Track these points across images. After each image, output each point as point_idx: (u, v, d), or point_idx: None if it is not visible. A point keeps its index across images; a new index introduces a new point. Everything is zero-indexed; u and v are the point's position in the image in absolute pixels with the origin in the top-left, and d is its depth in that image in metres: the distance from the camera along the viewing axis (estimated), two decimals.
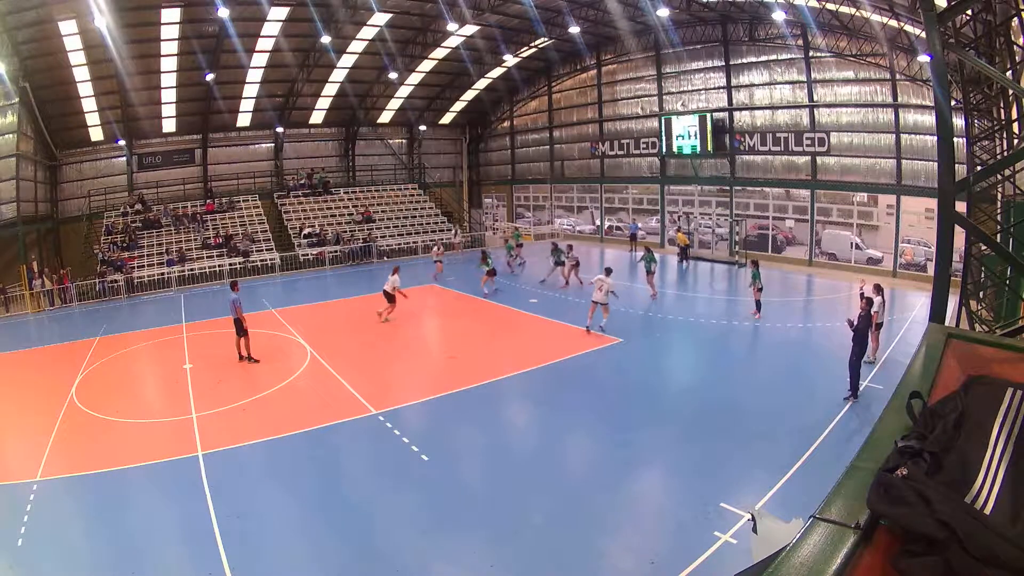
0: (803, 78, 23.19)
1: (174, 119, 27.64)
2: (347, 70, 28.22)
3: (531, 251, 25.33)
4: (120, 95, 24.24)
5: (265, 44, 24.29)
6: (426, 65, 29.78)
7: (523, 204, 37.34)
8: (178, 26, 21.57)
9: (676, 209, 28.83)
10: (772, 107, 24.58)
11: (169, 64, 23.74)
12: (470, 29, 26.27)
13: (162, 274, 22.96)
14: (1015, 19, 9.85)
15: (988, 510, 1.28)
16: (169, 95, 25.72)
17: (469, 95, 34.80)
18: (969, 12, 9.56)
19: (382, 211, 31.12)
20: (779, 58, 23.90)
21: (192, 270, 23.72)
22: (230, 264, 24.36)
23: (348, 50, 26.34)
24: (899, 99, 20.60)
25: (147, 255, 24.16)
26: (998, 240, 8.67)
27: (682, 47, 26.55)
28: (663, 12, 21.98)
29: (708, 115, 25.82)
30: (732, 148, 25.72)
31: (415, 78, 30.95)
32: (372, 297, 20.18)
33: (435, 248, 23.65)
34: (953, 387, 1.77)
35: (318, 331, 15.63)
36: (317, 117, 31.93)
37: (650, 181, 29.78)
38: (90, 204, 26.55)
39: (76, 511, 7.59)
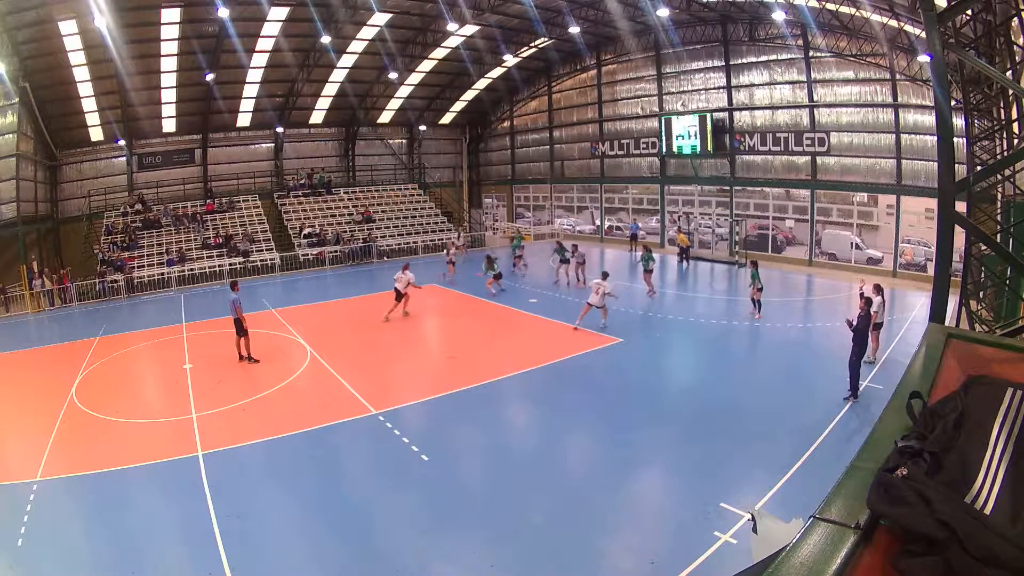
0: (803, 78, 23.19)
1: (174, 119, 27.64)
2: (347, 70, 28.22)
3: (531, 251, 25.32)
4: (120, 95, 24.24)
5: (265, 44, 24.30)
6: (426, 65, 29.78)
7: (523, 204, 37.34)
8: (178, 26, 21.57)
9: (676, 209, 28.83)
10: (772, 107, 24.58)
11: (169, 64, 23.74)
12: (470, 29, 26.27)
13: (162, 274, 22.96)
14: (1015, 19, 9.85)
15: (988, 510, 1.28)
16: (169, 95, 25.72)
17: (469, 95, 34.81)
18: (969, 12, 9.56)
19: (382, 211, 31.12)
20: (779, 58, 23.91)
21: (192, 270, 23.72)
22: (230, 264, 24.36)
23: (348, 50, 26.34)
24: (899, 99, 20.60)
25: (147, 255, 24.16)
26: (998, 240, 8.67)
27: (682, 47, 26.55)
28: (663, 12, 21.98)
29: (708, 115, 25.82)
30: (732, 148, 25.72)
31: (415, 78, 30.96)
32: (372, 297, 20.23)
33: (450, 250, 22.69)
34: (953, 387, 1.77)
35: (318, 331, 15.63)
36: (317, 117, 31.93)
37: (650, 181, 29.78)
38: (90, 204, 26.55)
39: (76, 511, 7.59)
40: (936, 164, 6.58)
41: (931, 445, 1.45)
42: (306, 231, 27.68)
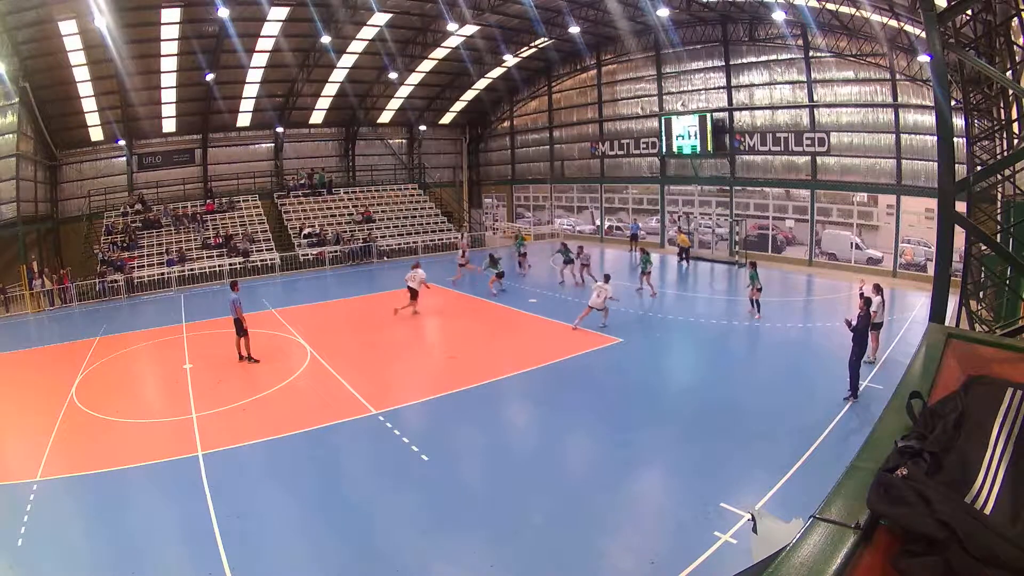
0: (803, 78, 23.19)
1: (174, 119, 27.63)
2: (347, 70, 28.22)
3: (531, 251, 25.26)
4: (120, 95, 24.24)
5: (265, 44, 24.29)
6: (426, 65, 29.78)
7: (523, 204, 37.34)
8: (178, 26, 21.57)
9: (676, 209, 28.82)
10: (772, 107, 24.57)
11: (169, 64, 23.73)
12: (470, 29, 26.27)
13: (162, 274, 22.95)
14: (1015, 19, 9.85)
15: (988, 510, 1.28)
16: (169, 95, 25.71)
17: (469, 95, 34.80)
18: (969, 12, 9.56)
19: (382, 211, 31.12)
20: (779, 58, 23.90)
21: (192, 270, 23.71)
22: (230, 264, 24.35)
23: (348, 50, 26.34)
24: (899, 99, 20.59)
25: (147, 255, 24.15)
26: (998, 240, 8.67)
27: (682, 47, 26.54)
28: (663, 12, 21.97)
29: (708, 115, 25.81)
30: (732, 148, 25.71)
31: (415, 78, 30.95)
32: (372, 297, 20.25)
33: (464, 252, 21.76)
34: (953, 387, 1.77)
35: (318, 331, 15.63)
36: (317, 117, 31.93)
37: (650, 181, 29.78)
38: (90, 204, 26.55)
39: (76, 511, 7.59)
40: (936, 164, 6.58)
41: (931, 445, 1.45)
42: (306, 231, 27.68)
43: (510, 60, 30.56)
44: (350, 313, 18.13)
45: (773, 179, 24.85)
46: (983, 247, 9.39)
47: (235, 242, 25.73)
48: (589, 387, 11.16)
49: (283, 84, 28.08)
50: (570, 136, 33.61)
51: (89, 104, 24.22)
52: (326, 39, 23.22)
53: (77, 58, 21.37)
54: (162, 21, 21.09)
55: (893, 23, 18.29)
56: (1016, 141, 11.53)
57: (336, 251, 26.68)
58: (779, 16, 21.33)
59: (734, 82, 25.51)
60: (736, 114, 25.70)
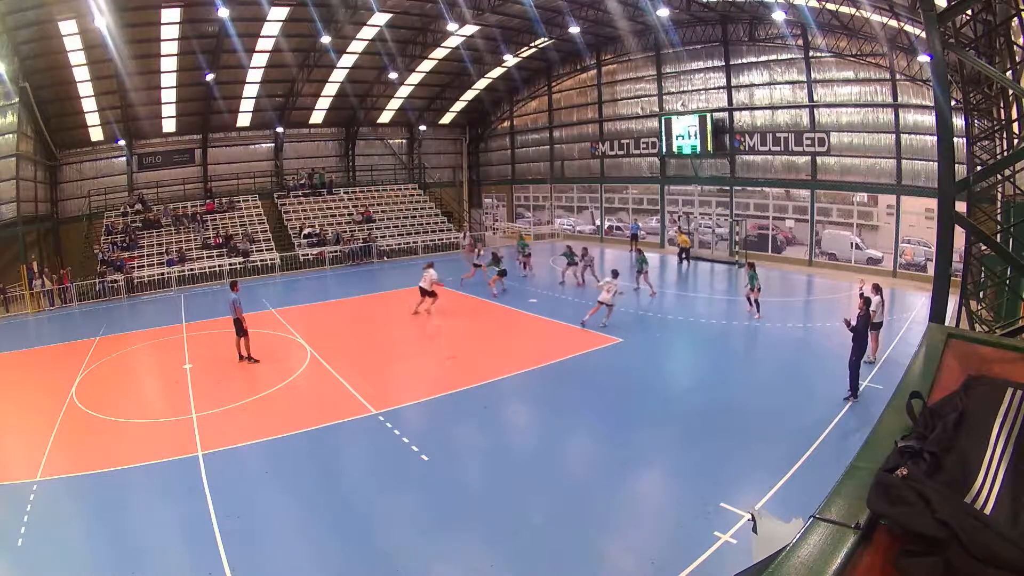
0: (803, 78, 23.19)
1: (174, 119, 27.63)
2: (347, 70, 28.22)
3: (531, 251, 25.26)
4: (120, 95, 24.24)
5: (265, 44, 24.29)
6: (426, 65, 29.78)
7: (523, 204, 37.33)
8: (178, 26, 21.57)
9: (676, 209, 28.82)
10: (772, 107, 24.57)
11: (169, 64, 23.73)
12: (470, 29, 26.28)
13: (162, 274, 22.96)
14: (1015, 19, 9.84)
15: (988, 510, 1.28)
16: (169, 95, 25.72)
17: (469, 95, 34.80)
18: (969, 12, 9.55)
19: (382, 211, 31.12)
20: (779, 58, 23.90)
21: (192, 270, 23.71)
22: (230, 264, 24.35)
23: (348, 50, 26.34)
24: (899, 99, 20.59)
25: (147, 255, 24.16)
26: (998, 240, 8.67)
27: (682, 47, 26.54)
28: (663, 12, 21.98)
29: (708, 115, 25.81)
30: (732, 148, 25.71)
31: (415, 78, 30.95)
32: (372, 297, 20.25)
33: (479, 251, 21.17)
34: (953, 387, 1.77)
35: (318, 331, 15.63)
36: (317, 117, 31.93)
37: (650, 181, 29.78)
38: (90, 204, 26.55)
39: (76, 511, 7.59)
40: (936, 164, 6.59)
41: (931, 445, 1.45)
42: (306, 231, 27.68)
43: (510, 60, 30.56)
44: (350, 313, 18.14)
45: (773, 179, 24.85)
46: (983, 247, 9.39)
47: (235, 242, 25.74)
48: (589, 387, 11.16)
49: (283, 84, 28.08)
50: (570, 136, 33.61)
51: (89, 104, 24.22)
52: (326, 39, 23.22)
53: (77, 58, 21.38)
54: (162, 21, 21.09)
55: (893, 23, 18.29)
56: (1016, 141, 11.53)
57: (336, 251, 26.68)
58: (779, 16, 21.33)
59: (734, 82, 25.50)
60: (736, 114, 25.70)
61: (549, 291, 19.47)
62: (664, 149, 27.82)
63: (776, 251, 25.13)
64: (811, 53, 22.59)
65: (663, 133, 27.64)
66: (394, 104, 33.17)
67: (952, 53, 7.69)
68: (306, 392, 11.32)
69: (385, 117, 34.23)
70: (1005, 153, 11.60)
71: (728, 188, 26.34)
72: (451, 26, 24.73)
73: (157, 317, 18.01)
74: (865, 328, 10.10)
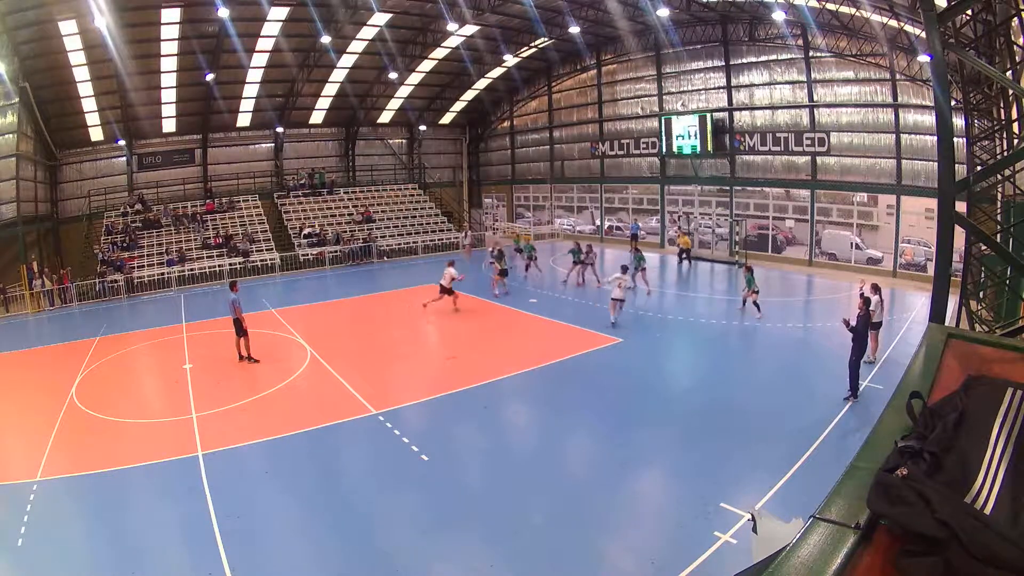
0: (803, 78, 23.19)
1: (174, 119, 27.63)
2: (347, 70, 28.22)
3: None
4: (120, 95, 24.24)
5: (265, 44, 24.29)
6: (426, 65, 29.78)
7: (523, 204, 37.33)
8: (178, 26, 21.57)
9: (676, 209, 28.82)
10: (772, 107, 24.57)
11: (169, 64, 23.73)
12: (470, 29, 26.27)
13: (162, 274, 22.95)
14: (1015, 19, 9.84)
15: (988, 510, 1.28)
16: (169, 95, 25.71)
17: (469, 95, 34.80)
18: (969, 12, 9.55)
19: (382, 211, 31.12)
20: (779, 58, 23.89)
21: (192, 270, 23.71)
22: (230, 264, 24.35)
23: (348, 50, 26.34)
24: (899, 99, 20.59)
25: (147, 255, 24.16)
26: (998, 240, 8.67)
27: (682, 47, 26.54)
28: (663, 12, 21.98)
29: (708, 115, 25.81)
30: (732, 148, 25.71)
31: (415, 78, 30.95)
32: (372, 297, 20.25)
33: (493, 251, 20.08)
34: (953, 387, 1.77)
35: (318, 331, 15.64)
36: (317, 117, 31.93)
37: (650, 181, 29.78)
38: (90, 204, 26.55)
39: (76, 511, 7.59)
40: (936, 164, 6.59)
41: (931, 445, 1.45)
42: (306, 231, 27.68)
43: (510, 60, 30.56)
44: (350, 313, 18.13)
45: (773, 179, 24.85)
46: (983, 247, 9.39)
47: (235, 242, 25.74)
48: (589, 387, 11.16)
49: (283, 84, 28.08)
50: (570, 136, 33.60)
51: (89, 104, 24.22)
52: (326, 39, 23.22)
53: (77, 58, 21.37)
54: (162, 21, 21.09)
55: (893, 23, 18.29)
56: (1016, 141, 11.53)
57: (336, 251, 26.68)
58: (779, 16, 21.33)
59: (734, 82, 25.50)
60: (736, 114, 25.70)
61: (549, 291, 19.47)
62: (664, 149, 27.82)
63: (776, 251, 25.13)
64: (811, 53, 22.59)
65: (663, 133, 27.64)
66: (394, 104, 33.17)
67: (952, 53, 7.69)
68: (306, 392, 11.32)
69: (385, 117, 34.23)
70: (1005, 153, 11.60)
71: (728, 188, 26.34)
72: (451, 26, 24.73)
73: (157, 317, 18.01)
74: (865, 328, 10.10)
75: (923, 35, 13.53)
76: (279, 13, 22.38)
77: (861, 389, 9.98)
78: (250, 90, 27.53)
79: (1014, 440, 1.47)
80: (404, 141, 36.28)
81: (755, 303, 15.27)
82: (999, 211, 13.77)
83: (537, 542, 6.54)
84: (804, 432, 8.76)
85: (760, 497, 7.05)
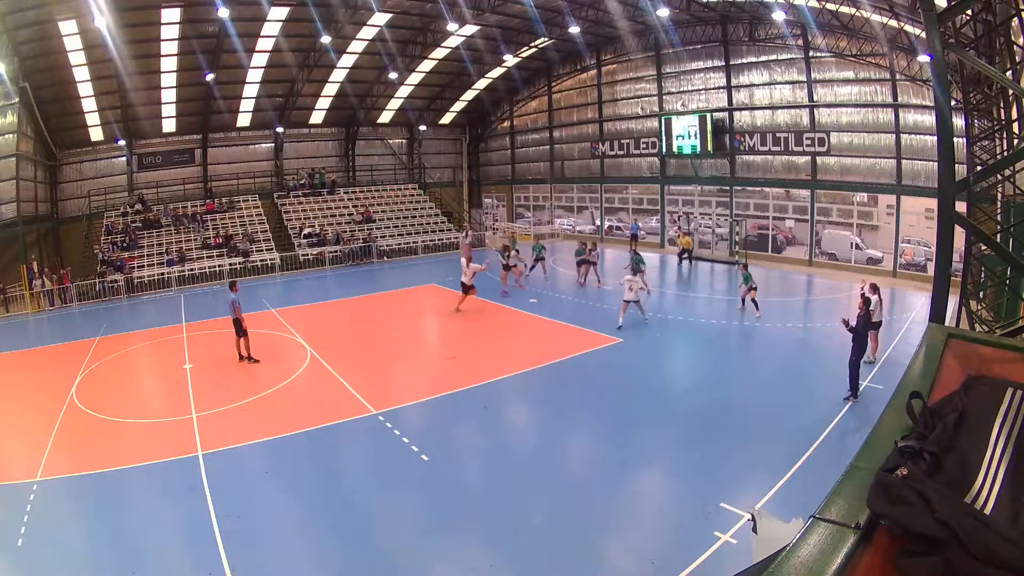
0: (803, 78, 23.18)
1: (174, 119, 27.62)
2: (347, 70, 28.21)
3: (525, 250, 25.27)
4: (120, 95, 24.23)
5: (265, 44, 24.28)
6: (426, 65, 29.77)
7: (523, 204, 37.33)
8: (178, 26, 21.56)
9: (676, 209, 28.82)
10: (772, 107, 24.56)
11: (169, 64, 23.73)
12: (470, 29, 26.27)
13: (162, 274, 22.95)
14: (1015, 19, 9.84)
15: (988, 510, 1.28)
16: (169, 95, 25.70)
17: (469, 95, 34.79)
18: (969, 12, 9.55)
19: (382, 211, 31.12)
20: (779, 58, 23.89)
21: (192, 270, 23.71)
22: (230, 264, 24.35)
23: (348, 50, 26.33)
24: (899, 99, 20.59)
25: (147, 255, 24.16)
26: (998, 240, 8.67)
27: (682, 47, 26.53)
28: (663, 12, 21.97)
29: (708, 115, 25.80)
30: (732, 148, 25.71)
31: (415, 78, 30.94)
32: (372, 297, 20.24)
33: (508, 254, 19.39)
34: (953, 387, 1.77)
35: (318, 331, 15.63)
36: (317, 117, 31.92)
37: (650, 181, 29.77)
38: (90, 204, 26.55)
39: (76, 511, 7.59)
40: (936, 164, 6.59)
41: (931, 445, 1.45)
42: (306, 231, 27.68)
43: (510, 60, 30.55)
44: (350, 313, 18.13)
45: (773, 179, 24.84)
46: (983, 247, 9.39)
47: (235, 242, 25.74)
48: (589, 387, 11.16)
49: (283, 84, 28.07)
50: (570, 136, 33.60)
51: (89, 104, 24.21)
52: (326, 39, 23.21)
53: (77, 58, 21.37)
54: (162, 21, 21.08)
55: (893, 23, 18.29)
56: (1016, 141, 11.53)
57: (336, 251, 26.68)
58: (779, 16, 21.33)
59: (734, 82, 25.50)
60: (736, 114, 25.69)
61: (549, 291, 19.47)
62: (664, 149, 27.81)
63: (776, 251, 25.12)
64: (811, 53, 22.58)
65: (663, 133, 27.63)
66: (394, 104, 33.16)
67: (952, 53, 7.69)
68: (306, 392, 11.32)
69: (385, 117, 34.22)
70: (1005, 153, 11.60)
71: (728, 188, 26.33)
72: (451, 26, 24.72)
73: (157, 317, 18.01)
74: (864, 328, 10.10)
75: (923, 35, 13.53)
76: (279, 13, 22.38)
77: (861, 389, 9.98)
78: (250, 90, 27.52)
79: (1014, 440, 1.47)
80: (404, 141, 36.28)
81: (753, 300, 15.31)
82: (999, 211, 13.77)
83: (537, 542, 6.54)
84: (804, 432, 8.76)
85: (760, 497, 7.05)
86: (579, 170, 33.29)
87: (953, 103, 12.58)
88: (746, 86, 25.25)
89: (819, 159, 23.16)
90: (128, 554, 6.48)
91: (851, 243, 22.72)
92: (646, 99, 29.28)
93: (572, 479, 8.05)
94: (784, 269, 22.92)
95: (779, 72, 24.13)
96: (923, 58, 17.99)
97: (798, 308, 17.36)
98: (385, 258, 27.36)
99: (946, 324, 4.55)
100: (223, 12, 19.56)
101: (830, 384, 10.35)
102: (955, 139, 6.04)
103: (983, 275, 12.29)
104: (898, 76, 20.26)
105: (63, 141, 25.55)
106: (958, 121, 12.44)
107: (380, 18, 23.85)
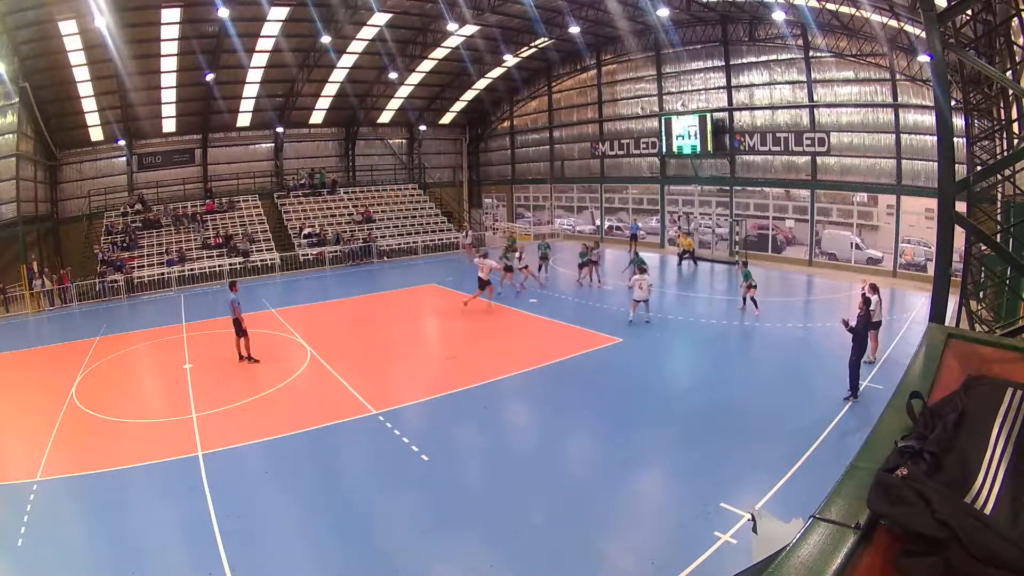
0: (803, 78, 23.18)
1: (174, 119, 27.63)
2: (347, 70, 28.21)
3: (529, 252, 25.27)
4: (120, 95, 24.23)
5: (265, 44, 24.28)
6: (426, 65, 29.77)
7: (523, 204, 37.33)
8: (178, 26, 21.56)
9: (676, 209, 28.82)
10: (772, 107, 24.56)
11: (169, 64, 23.73)
12: (470, 29, 26.27)
13: (162, 274, 22.96)
14: (1015, 19, 9.84)
15: (988, 510, 1.28)
16: (169, 95, 25.71)
17: (469, 95, 34.79)
18: (969, 12, 9.55)
19: (382, 211, 31.12)
20: (779, 58, 23.89)
21: (192, 270, 23.71)
22: (230, 264, 24.35)
23: (348, 50, 26.34)
24: (899, 99, 20.59)
25: (147, 255, 24.16)
26: (998, 240, 8.67)
27: (682, 47, 26.53)
28: (663, 12, 21.97)
29: (708, 115, 25.80)
30: (732, 148, 25.71)
31: (415, 78, 30.94)
32: (372, 297, 20.24)
33: (521, 254, 19.18)
34: (953, 387, 1.77)
35: (318, 331, 15.63)
36: (317, 117, 31.92)
37: (650, 181, 29.77)
38: (90, 204, 26.55)
39: (76, 511, 7.59)
40: (936, 164, 6.59)
41: (931, 445, 1.45)
42: (306, 231, 27.68)
43: (510, 60, 30.55)
44: (350, 313, 18.13)
45: (773, 179, 24.84)
46: (983, 247, 9.38)
47: (235, 242, 25.73)
48: (589, 387, 11.16)
49: (283, 84, 28.07)
50: (570, 136, 33.60)
51: (89, 104, 24.21)
52: (326, 39, 23.21)
53: (77, 58, 21.37)
54: (162, 21, 21.08)
55: (893, 23, 18.29)
56: (1016, 141, 11.53)
57: (336, 251, 26.68)
58: (779, 16, 21.33)
59: (734, 82, 25.50)
60: (736, 114, 25.69)
61: (548, 291, 19.46)
62: (664, 149, 27.81)
63: (776, 251, 25.12)
64: (811, 53, 22.58)
65: (663, 133, 27.63)
66: (394, 104, 33.16)
67: (952, 53, 7.69)
68: (306, 392, 11.32)
69: (385, 117, 34.22)
70: (1005, 153, 11.60)
71: (728, 188, 26.33)
72: (451, 26, 24.72)
73: (157, 317, 18.01)
74: (864, 328, 10.10)
75: (923, 35, 13.53)
76: (279, 13, 22.38)
77: (861, 389, 9.97)
78: (250, 90, 27.52)
79: (1014, 440, 1.47)
80: (404, 141, 36.27)
81: (752, 299, 15.32)
82: (999, 211, 13.77)
83: (537, 542, 6.54)
84: (804, 432, 8.76)
85: (760, 497, 7.05)
86: (579, 170, 33.28)
87: (953, 103, 12.58)
88: (746, 86, 25.25)
89: (819, 159, 23.16)
90: (128, 554, 6.48)
91: (851, 243, 22.72)
92: (646, 99, 29.28)
93: (572, 479, 8.04)
94: (784, 269, 22.92)
95: (779, 72, 24.13)
96: (923, 58, 17.99)
97: (798, 308, 17.36)
98: (385, 258, 27.36)
99: (946, 324, 4.56)
100: (223, 12, 19.56)
101: (830, 384, 10.35)
102: (955, 139, 6.04)
103: (983, 275, 12.29)
104: (898, 76, 20.26)
105: (63, 141, 25.55)
106: (958, 121, 12.45)
107: (380, 18, 23.85)
